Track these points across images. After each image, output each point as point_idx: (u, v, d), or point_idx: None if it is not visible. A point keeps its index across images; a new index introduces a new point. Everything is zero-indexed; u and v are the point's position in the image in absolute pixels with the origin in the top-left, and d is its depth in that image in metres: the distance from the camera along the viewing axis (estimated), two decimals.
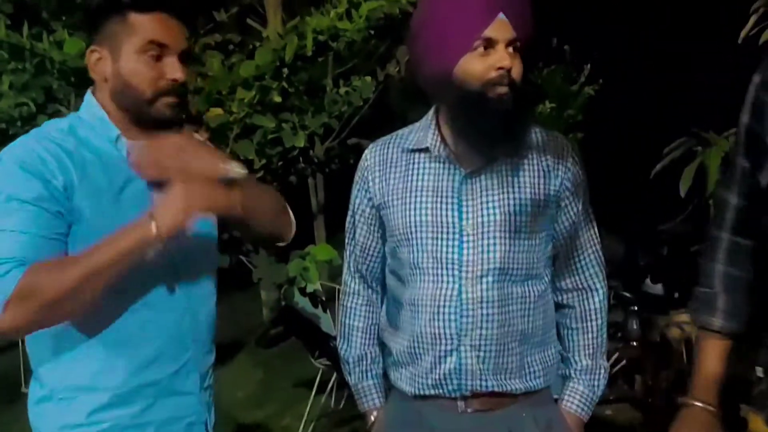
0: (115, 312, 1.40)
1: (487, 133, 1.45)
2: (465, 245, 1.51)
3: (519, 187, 1.52)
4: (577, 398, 1.62)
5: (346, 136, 5.26)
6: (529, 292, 1.55)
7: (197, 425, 1.53)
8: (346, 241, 1.71)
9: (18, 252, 1.28)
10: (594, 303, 1.63)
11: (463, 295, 1.50)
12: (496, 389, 1.54)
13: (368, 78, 3.30)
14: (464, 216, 1.51)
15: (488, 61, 1.42)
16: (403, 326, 1.59)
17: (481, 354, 1.52)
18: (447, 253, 1.51)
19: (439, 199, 1.52)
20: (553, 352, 1.63)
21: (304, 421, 4.29)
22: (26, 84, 2.71)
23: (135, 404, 1.44)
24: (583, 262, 1.62)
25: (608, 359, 1.69)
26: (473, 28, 1.42)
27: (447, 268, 1.51)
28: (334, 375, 4.21)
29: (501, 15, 1.41)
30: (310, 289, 3.23)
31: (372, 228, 1.64)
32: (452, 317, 1.51)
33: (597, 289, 1.64)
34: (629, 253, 4.29)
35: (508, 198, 1.51)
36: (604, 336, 1.66)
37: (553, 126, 6.00)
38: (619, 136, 7.77)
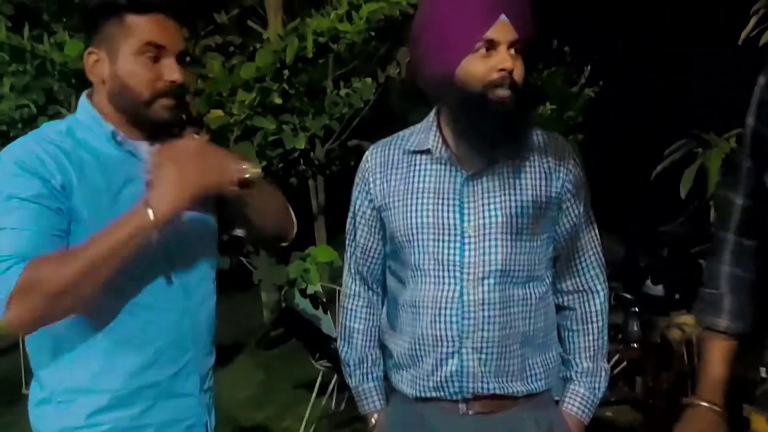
0: (114, 314, 1.40)
1: (489, 134, 1.45)
2: (466, 247, 1.50)
3: (520, 189, 1.51)
4: (578, 400, 1.62)
5: (347, 137, 5.26)
6: (531, 294, 1.55)
7: (197, 427, 1.53)
8: (347, 242, 1.70)
9: (19, 249, 1.28)
10: (595, 305, 1.63)
11: (465, 297, 1.50)
12: (497, 392, 1.54)
13: (369, 80, 3.31)
14: (466, 218, 1.51)
15: (490, 62, 1.42)
16: (404, 328, 1.58)
17: (483, 356, 1.51)
18: (448, 254, 1.51)
19: (440, 201, 1.52)
20: (555, 355, 1.63)
21: (304, 422, 4.29)
22: (27, 86, 2.72)
23: (135, 406, 1.44)
24: (583, 264, 1.62)
25: (609, 361, 1.69)
26: (475, 30, 1.42)
27: (448, 270, 1.51)
28: (335, 377, 4.21)
29: (503, 16, 1.41)
30: (310, 290, 3.23)
31: (373, 230, 1.63)
32: (454, 319, 1.51)
33: (598, 291, 1.63)
34: (630, 254, 4.29)
35: (510, 200, 1.50)
36: (605, 338, 1.65)
37: (554, 127, 5.99)
38: (620, 138, 7.77)
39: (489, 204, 1.50)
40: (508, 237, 1.50)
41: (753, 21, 3.59)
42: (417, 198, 1.54)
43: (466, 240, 1.50)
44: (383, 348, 1.69)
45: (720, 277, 1.48)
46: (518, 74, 1.44)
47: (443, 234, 1.51)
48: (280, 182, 3.15)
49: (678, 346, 3.81)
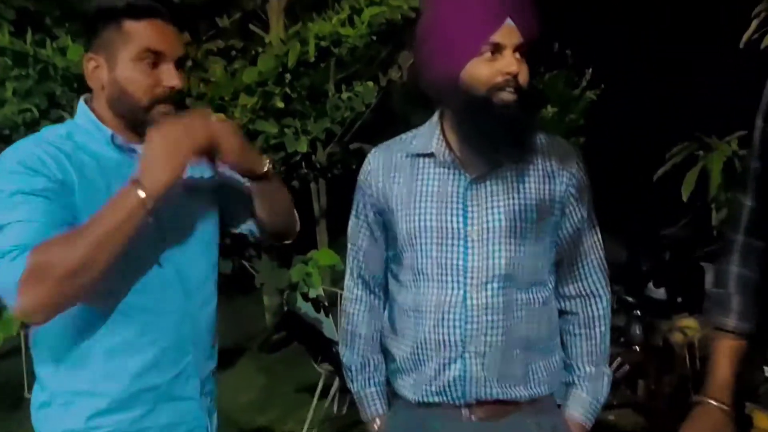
0: (113, 316, 1.40)
1: (493, 138, 1.44)
2: (470, 251, 1.50)
3: (524, 193, 1.51)
4: (581, 405, 1.61)
5: (349, 140, 5.27)
6: (534, 298, 1.54)
7: (197, 430, 1.53)
8: (349, 246, 1.69)
9: (26, 239, 1.27)
10: (597, 309, 1.62)
11: (468, 302, 1.49)
12: (500, 397, 1.52)
13: (370, 83, 3.32)
14: (469, 222, 1.50)
15: (495, 66, 1.42)
16: (407, 333, 1.57)
17: (486, 361, 1.50)
18: (451, 259, 1.50)
19: (443, 205, 1.51)
20: (557, 359, 1.62)
21: (306, 426, 4.29)
22: (29, 90, 2.73)
23: (135, 409, 1.43)
24: (586, 269, 1.61)
25: (611, 364, 1.68)
26: (481, 33, 1.41)
27: (451, 275, 1.50)
28: (337, 380, 4.21)
29: (509, 20, 1.41)
30: (312, 294, 3.24)
31: (375, 233, 1.62)
32: (457, 324, 1.50)
33: (600, 296, 1.62)
34: (632, 257, 4.30)
35: (513, 204, 1.50)
36: (608, 343, 1.64)
37: (555, 131, 6.00)
38: (621, 141, 7.77)
39: (492, 208, 1.50)
40: (512, 241, 1.49)
41: (754, 24, 3.60)
42: (420, 201, 1.53)
43: (470, 244, 1.50)
44: (385, 353, 1.68)
45: (728, 278, 1.49)
46: (523, 78, 1.44)
47: (446, 238, 1.50)
48: None
49: (680, 350, 3.81)
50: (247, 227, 1.65)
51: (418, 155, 1.56)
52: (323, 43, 2.99)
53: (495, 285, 1.49)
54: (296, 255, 3.12)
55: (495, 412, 1.54)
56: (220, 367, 1.61)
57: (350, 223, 1.68)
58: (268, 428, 4.55)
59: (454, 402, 1.53)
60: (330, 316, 4.10)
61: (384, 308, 1.69)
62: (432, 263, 1.51)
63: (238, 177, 1.56)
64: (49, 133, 1.44)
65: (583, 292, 1.62)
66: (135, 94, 1.39)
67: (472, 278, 1.49)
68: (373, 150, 1.64)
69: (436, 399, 1.55)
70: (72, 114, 1.50)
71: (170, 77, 1.41)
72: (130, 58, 1.39)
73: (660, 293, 4.21)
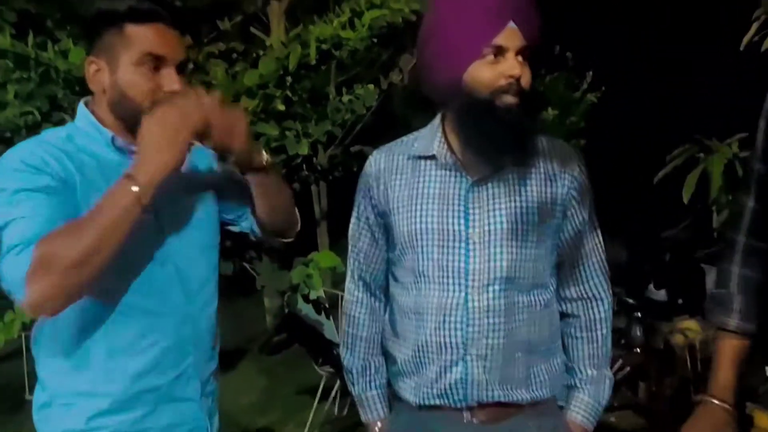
0: (114, 318, 1.41)
1: (495, 141, 1.44)
2: (471, 253, 1.49)
3: (525, 196, 1.51)
4: (583, 408, 1.61)
5: (349, 143, 5.28)
6: (536, 301, 1.54)
7: (197, 431, 1.53)
8: (350, 248, 1.69)
9: (30, 235, 1.27)
10: (599, 312, 1.62)
11: (469, 304, 1.49)
12: (502, 399, 1.52)
13: (371, 86, 3.32)
14: (471, 224, 1.50)
15: (498, 68, 1.42)
16: (408, 335, 1.57)
17: (487, 364, 1.50)
18: (453, 261, 1.50)
19: (445, 207, 1.51)
20: (559, 362, 1.62)
21: (307, 428, 4.29)
22: (31, 93, 2.73)
23: (135, 410, 1.44)
24: (588, 271, 1.61)
25: (612, 366, 1.68)
26: (483, 36, 1.41)
27: (453, 277, 1.50)
28: (338, 382, 4.21)
29: (511, 23, 1.41)
30: (313, 296, 3.24)
31: (376, 235, 1.62)
32: (458, 326, 1.50)
33: (602, 299, 1.62)
34: (632, 259, 4.30)
35: (515, 206, 1.50)
36: (609, 345, 1.64)
37: (556, 133, 6.01)
38: (622, 143, 7.77)
39: (494, 210, 1.50)
40: (513, 244, 1.49)
41: (754, 27, 3.60)
42: (421, 203, 1.53)
43: (471, 246, 1.50)
44: (386, 355, 1.68)
45: (730, 278, 1.50)
46: (525, 81, 1.44)
47: (448, 240, 1.50)
48: None
49: (681, 351, 3.81)
50: (248, 225, 1.65)
51: (420, 157, 1.56)
52: (324, 46, 2.99)
53: (496, 287, 1.49)
54: (297, 257, 3.13)
55: (496, 415, 1.54)
56: (220, 369, 1.62)
57: (351, 225, 1.67)
58: (268, 430, 4.55)
59: (456, 405, 1.53)
60: (331, 317, 4.10)
61: (385, 310, 1.69)
62: (433, 265, 1.51)
63: (238, 174, 1.57)
64: (50, 135, 1.45)
65: (585, 295, 1.62)
66: (136, 98, 1.39)
67: (473, 281, 1.49)
68: (374, 152, 1.64)
69: (438, 402, 1.54)
70: (74, 117, 1.50)
71: (171, 82, 1.41)
72: (131, 62, 1.39)
73: (661, 295, 4.21)
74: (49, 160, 1.36)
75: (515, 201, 1.50)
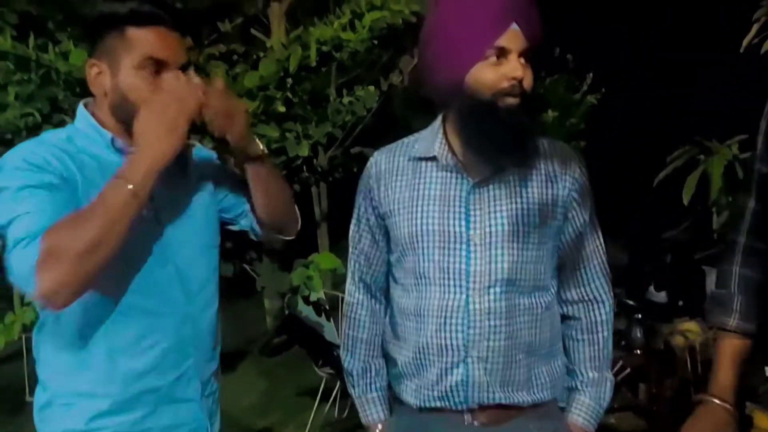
0: (114, 318, 1.41)
1: (497, 142, 1.44)
2: (472, 255, 1.49)
3: (527, 197, 1.51)
4: (584, 411, 1.61)
5: (350, 145, 5.28)
6: (537, 303, 1.54)
7: None
8: (350, 250, 1.69)
9: (35, 229, 1.27)
10: (600, 315, 1.62)
11: (471, 306, 1.49)
12: (503, 402, 1.52)
13: (371, 87, 3.33)
14: (472, 226, 1.50)
15: (500, 70, 1.42)
16: (408, 337, 1.57)
17: (489, 366, 1.50)
18: (454, 263, 1.50)
19: (446, 209, 1.51)
20: (560, 364, 1.62)
21: (307, 429, 4.29)
22: (32, 95, 2.73)
23: (136, 411, 1.44)
24: (589, 274, 1.61)
25: (612, 367, 1.68)
26: (486, 38, 1.41)
27: (454, 279, 1.50)
28: (338, 384, 4.21)
29: (514, 25, 1.41)
30: (313, 297, 3.24)
31: (376, 237, 1.62)
32: (459, 328, 1.49)
33: (603, 301, 1.62)
34: (633, 260, 4.30)
35: (516, 208, 1.50)
36: (610, 348, 1.64)
37: (556, 135, 6.02)
38: (622, 145, 7.77)
39: (495, 212, 1.50)
40: (514, 245, 1.49)
41: (755, 29, 3.60)
42: (422, 205, 1.53)
43: (472, 248, 1.49)
44: (387, 357, 1.68)
45: (731, 278, 1.50)
46: (527, 83, 1.44)
47: (448, 242, 1.50)
48: None
49: (681, 353, 3.82)
50: (247, 223, 1.65)
51: (421, 159, 1.56)
52: (324, 48, 2.99)
53: (497, 289, 1.49)
54: (297, 258, 3.13)
55: (497, 417, 1.54)
56: (221, 370, 1.62)
57: (352, 226, 1.67)
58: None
59: (456, 407, 1.53)
60: (331, 319, 4.10)
61: (386, 312, 1.69)
62: (434, 267, 1.51)
63: (236, 173, 1.57)
64: (50, 136, 1.45)
65: (586, 297, 1.62)
66: (137, 102, 1.39)
67: (474, 282, 1.49)
68: (375, 153, 1.64)
69: (438, 404, 1.54)
70: (74, 118, 1.50)
71: None
72: (132, 65, 1.39)
73: (661, 296, 4.21)
74: (51, 159, 1.36)
75: (516, 203, 1.50)
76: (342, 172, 4.04)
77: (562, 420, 1.61)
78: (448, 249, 1.50)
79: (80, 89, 2.68)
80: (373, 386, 1.69)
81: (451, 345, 1.50)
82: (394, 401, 1.68)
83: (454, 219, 1.50)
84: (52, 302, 1.28)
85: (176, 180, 1.51)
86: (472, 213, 1.50)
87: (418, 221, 1.52)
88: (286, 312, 4.18)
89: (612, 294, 1.64)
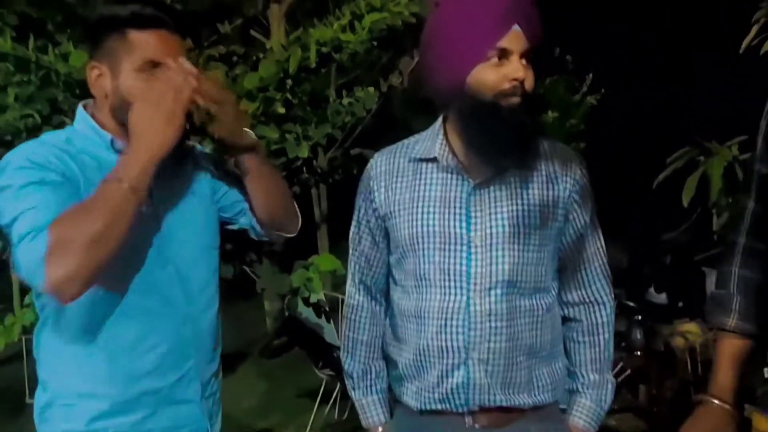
0: (115, 320, 1.41)
1: (498, 143, 1.44)
2: (473, 257, 1.49)
3: (527, 199, 1.50)
4: (585, 413, 1.61)
5: (349, 146, 5.28)
6: (538, 305, 1.53)
7: None
8: (350, 251, 1.69)
9: (41, 222, 1.27)
10: (601, 316, 1.62)
11: (471, 308, 1.49)
12: (504, 404, 1.52)
13: (371, 89, 3.32)
14: (472, 227, 1.50)
15: (502, 71, 1.42)
16: (409, 339, 1.57)
17: (490, 368, 1.50)
18: (454, 264, 1.50)
19: (446, 210, 1.51)
20: (561, 366, 1.61)
21: (308, 431, 4.29)
22: (31, 96, 2.73)
23: (136, 412, 1.45)
24: (590, 276, 1.61)
25: (612, 369, 1.68)
26: (488, 39, 1.41)
27: (455, 280, 1.50)
28: (338, 385, 4.21)
29: (516, 26, 1.41)
30: (313, 299, 3.24)
31: (377, 238, 1.62)
32: (460, 330, 1.49)
33: (604, 303, 1.62)
34: (633, 262, 4.30)
35: (517, 209, 1.49)
36: (611, 350, 1.64)
37: (556, 135, 6.01)
38: (622, 146, 7.78)
39: (496, 213, 1.49)
40: (515, 247, 1.49)
41: (754, 30, 3.61)
42: (423, 206, 1.52)
43: (473, 249, 1.49)
44: (387, 359, 1.67)
45: (730, 279, 1.50)
46: (529, 84, 1.44)
47: (449, 243, 1.50)
48: None
49: (681, 354, 3.81)
50: (247, 221, 1.64)
51: (421, 160, 1.55)
52: (324, 49, 2.99)
53: (498, 291, 1.49)
54: (297, 260, 3.13)
55: (498, 420, 1.53)
56: (221, 371, 1.62)
57: (352, 228, 1.67)
58: None
59: (457, 409, 1.53)
60: (331, 321, 4.10)
61: (386, 314, 1.68)
62: (435, 269, 1.51)
63: (234, 170, 1.57)
64: (51, 137, 1.45)
65: (587, 299, 1.61)
66: None
67: (475, 284, 1.49)
68: (375, 155, 1.63)
69: (439, 406, 1.54)
70: (73, 120, 1.50)
71: None
72: (133, 68, 1.39)
73: (661, 298, 4.21)
74: (53, 158, 1.37)
75: (517, 204, 1.50)
76: (342, 173, 4.03)
77: (563, 422, 1.61)
78: (449, 250, 1.50)
79: (80, 91, 2.67)
80: (373, 389, 1.68)
81: (452, 347, 1.50)
82: (394, 403, 1.68)
83: (454, 220, 1.50)
84: (61, 293, 1.28)
85: (176, 181, 1.51)
86: (472, 214, 1.50)
87: (419, 223, 1.52)
88: (286, 313, 4.18)
89: (613, 296, 1.64)
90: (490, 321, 1.48)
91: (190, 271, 1.50)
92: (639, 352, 3.82)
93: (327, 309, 4.09)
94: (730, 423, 1.45)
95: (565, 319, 1.63)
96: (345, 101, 3.26)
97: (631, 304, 3.98)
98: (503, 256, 1.49)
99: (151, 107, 1.33)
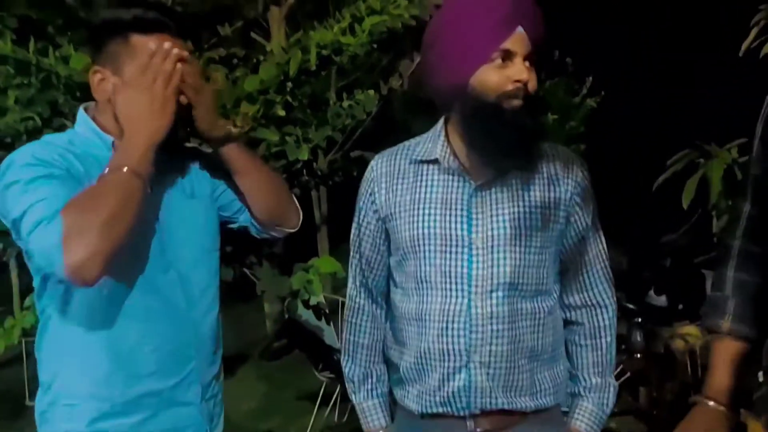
0: (116, 322, 1.42)
1: (501, 145, 1.44)
2: (474, 259, 1.49)
3: (529, 201, 1.50)
4: (587, 417, 1.60)
5: (349, 148, 5.27)
6: (539, 308, 1.53)
7: None
8: (351, 253, 1.68)
9: (53, 210, 1.28)
10: (603, 320, 1.61)
11: (473, 311, 1.48)
12: (506, 407, 1.52)
13: (371, 91, 3.32)
14: (474, 229, 1.49)
15: (505, 73, 1.42)
16: (410, 342, 1.56)
17: (491, 371, 1.49)
18: (456, 266, 1.49)
19: (447, 212, 1.51)
20: (562, 369, 1.61)
21: None
22: (32, 99, 2.73)
23: (136, 414, 1.45)
24: (592, 278, 1.60)
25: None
26: (492, 40, 1.41)
27: (456, 283, 1.49)
28: (338, 388, 4.21)
29: (519, 28, 1.42)
30: (313, 301, 3.23)
31: (378, 240, 1.62)
32: (461, 333, 1.49)
33: (606, 306, 1.61)
34: (632, 264, 4.29)
35: (518, 211, 1.49)
36: (614, 353, 1.63)
37: (556, 138, 6.01)
38: (621, 148, 7.78)
39: (497, 215, 1.49)
40: (517, 249, 1.49)
41: (754, 32, 3.61)
42: (424, 208, 1.52)
43: (474, 252, 1.49)
44: (388, 363, 1.67)
45: (725, 281, 1.50)
46: (532, 85, 1.44)
47: (450, 245, 1.50)
48: None
49: (681, 357, 3.81)
50: (246, 218, 1.64)
51: (422, 161, 1.55)
52: (324, 52, 2.99)
53: (500, 293, 1.48)
54: (297, 262, 3.12)
55: (500, 423, 1.53)
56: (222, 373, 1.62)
57: (352, 230, 1.67)
58: None
59: (459, 413, 1.53)
60: (331, 323, 4.10)
61: (387, 317, 1.68)
62: (436, 271, 1.51)
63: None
64: (53, 138, 1.47)
65: (589, 302, 1.61)
66: None
67: (476, 286, 1.49)
68: (376, 157, 1.63)
69: (440, 410, 1.54)
70: (74, 123, 1.50)
71: None
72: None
73: (661, 300, 4.21)
74: (57, 156, 1.38)
75: (518, 206, 1.50)
76: (342, 175, 4.03)
77: (565, 425, 1.61)
78: (450, 252, 1.50)
79: (80, 93, 2.67)
80: (374, 392, 1.68)
81: (453, 350, 1.50)
82: (395, 407, 1.68)
83: (455, 222, 1.50)
84: (82, 275, 1.27)
85: (176, 182, 1.52)
86: (474, 216, 1.50)
87: (420, 224, 1.52)
88: (286, 316, 4.18)
89: (615, 298, 1.64)
90: (491, 324, 1.48)
91: (191, 274, 1.51)
92: (639, 355, 3.81)
93: (327, 311, 4.08)
94: (725, 424, 1.44)
95: (567, 322, 1.63)
96: (345, 104, 3.25)
97: (631, 306, 3.97)
98: (504, 258, 1.48)
99: (145, 95, 1.35)
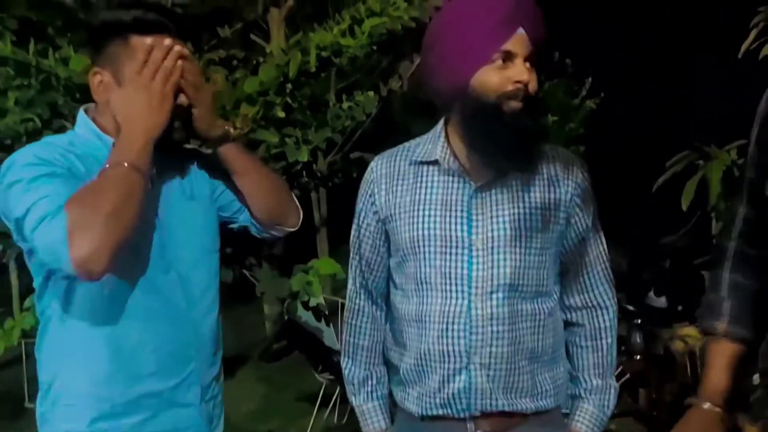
0: (116, 322, 1.42)
1: (501, 145, 1.44)
2: (474, 260, 1.49)
3: (529, 202, 1.50)
4: (588, 418, 1.60)
5: (349, 150, 5.28)
6: (540, 309, 1.53)
7: None
8: (351, 255, 1.68)
9: (55, 207, 1.28)
10: (604, 321, 1.61)
11: (473, 312, 1.48)
12: (506, 409, 1.51)
13: (371, 93, 3.32)
14: (474, 230, 1.49)
15: (506, 74, 1.42)
16: (410, 344, 1.56)
17: (491, 372, 1.49)
18: (456, 268, 1.49)
19: (447, 213, 1.50)
20: (563, 370, 1.61)
21: None
22: (32, 100, 2.73)
23: (136, 414, 1.45)
24: (592, 280, 1.60)
25: None
26: (493, 41, 1.41)
27: (456, 284, 1.49)
28: (338, 389, 4.21)
29: (520, 29, 1.42)
30: (313, 303, 3.24)
31: (378, 242, 1.61)
32: (461, 334, 1.49)
33: (607, 307, 1.61)
34: (632, 266, 4.29)
35: (518, 212, 1.49)
36: (614, 354, 1.63)
37: (555, 139, 6.02)
38: (621, 150, 7.78)
39: (497, 216, 1.49)
40: (517, 250, 1.49)
41: (753, 34, 3.62)
42: (424, 209, 1.52)
43: (474, 253, 1.49)
44: (388, 364, 1.67)
45: (720, 283, 1.50)
46: (532, 87, 1.44)
47: (450, 246, 1.49)
48: None
49: (681, 358, 3.81)
50: (246, 218, 1.64)
51: (422, 163, 1.55)
52: (324, 53, 2.99)
53: (500, 295, 1.48)
54: (297, 264, 3.13)
55: (500, 425, 1.53)
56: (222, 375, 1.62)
57: (352, 232, 1.66)
58: None
59: (459, 415, 1.52)
60: (331, 325, 4.10)
61: (387, 319, 1.68)
62: (436, 272, 1.50)
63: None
64: (54, 139, 1.47)
65: (590, 304, 1.61)
66: None
67: (476, 288, 1.48)
68: (376, 158, 1.63)
69: (441, 412, 1.53)
70: (74, 124, 1.51)
71: None
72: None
73: (661, 302, 4.20)
74: (58, 156, 1.38)
75: (518, 207, 1.50)
76: (341, 177, 4.03)
77: (566, 427, 1.61)
78: (450, 254, 1.49)
79: (80, 95, 2.68)
80: (374, 395, 1.67)
81: (454, 351, 1.50)
82: (395, 409, 1.67)
83: (455, 223, 1.50)
84: (88, 269, 1.27)
85: (176, 183, 1.52)
86: (474, 217, 1.50)
87: (420, 226, 1.52)
88: (286, 317, 4.18)
89: (615, 300, 1.63)
90: (491, 325, 1.48)
91: (191, 275, 1.51)
92: (639, 356, 3.81)
93: (326, 313, 4.09)
94: (721, 426, 1.44)
95: (568, 324, 1.63)
96: (345, 105, 3.26)
97: (631, 308, 3.97)
98: (504, 259, 1.48)
99: (143, 92, 1.35)
